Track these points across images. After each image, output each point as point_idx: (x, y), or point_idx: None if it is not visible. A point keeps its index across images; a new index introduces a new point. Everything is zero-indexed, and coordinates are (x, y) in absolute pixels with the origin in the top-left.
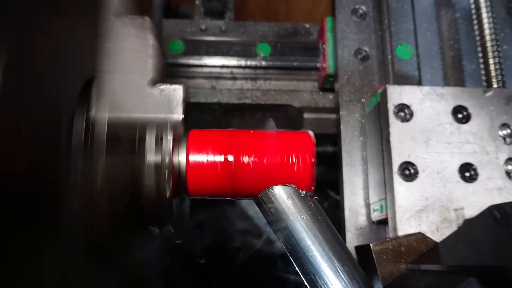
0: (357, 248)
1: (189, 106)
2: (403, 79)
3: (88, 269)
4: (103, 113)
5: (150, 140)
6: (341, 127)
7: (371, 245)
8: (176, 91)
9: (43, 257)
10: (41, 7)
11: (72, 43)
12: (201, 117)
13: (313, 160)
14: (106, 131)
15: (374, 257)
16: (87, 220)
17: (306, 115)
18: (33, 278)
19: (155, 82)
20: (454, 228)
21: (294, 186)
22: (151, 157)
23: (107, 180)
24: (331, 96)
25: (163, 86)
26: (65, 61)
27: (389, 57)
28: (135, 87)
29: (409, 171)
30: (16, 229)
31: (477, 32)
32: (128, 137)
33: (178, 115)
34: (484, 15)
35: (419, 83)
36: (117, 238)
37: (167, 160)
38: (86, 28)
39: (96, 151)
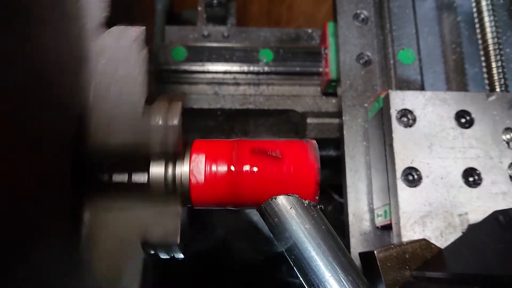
0: (361, 254)
1: (190, 113)
2: (405, 84)
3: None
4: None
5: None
6: (344, 132)
7: (375, 252)
8: (174, 105)
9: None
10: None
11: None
12: (204, 123)
13: (316, 170)
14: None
15: (379, 264)
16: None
17: (309, 120)
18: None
19: (151, 97)
20: (458, 233)
21: (297, 195)
22: (155, 174)
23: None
24: (333, 101)
25: (156, 109)
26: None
27: (391, 61)
28: (129, 109)
29: (412, 177)
30: None
31: (479, 36)
32: (126, 160)
33: (176, 129)
34: (486, 19)
35: (421, 87)
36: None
37: (170, 173)
38: (66, 42)
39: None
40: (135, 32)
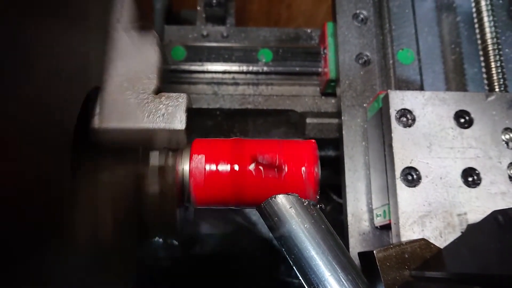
0: (361, 254)
1: (191, 112)
2: (404, 84)
3: (92, 277)
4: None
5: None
6: (343, 132)
7: (374, 252)
8: (179, 99)
9: (47, 262)
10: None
11: (79, 53)
12: (203, 123)
13: (316, 169)
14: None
15: (378, 264)
16: (91, 229)
17: (308, 120)
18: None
19: (158, 90)
20: (457, 233)
21: (296, 195)
22: (155, 165)
23: (111, 190)
24: (333, 101)
25: (166, 95)
26: (71, 68)
27: (391, 61)
28: (139, 96)
29: (412, 177)
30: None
31: (478, 36)
32: (132, 146)
33: (181, 124)
34: (485, 19)
35: (421, 87)
36: (121, 247)
37: (170, 167)
38: (95, 40)
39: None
40: (151, 32)
